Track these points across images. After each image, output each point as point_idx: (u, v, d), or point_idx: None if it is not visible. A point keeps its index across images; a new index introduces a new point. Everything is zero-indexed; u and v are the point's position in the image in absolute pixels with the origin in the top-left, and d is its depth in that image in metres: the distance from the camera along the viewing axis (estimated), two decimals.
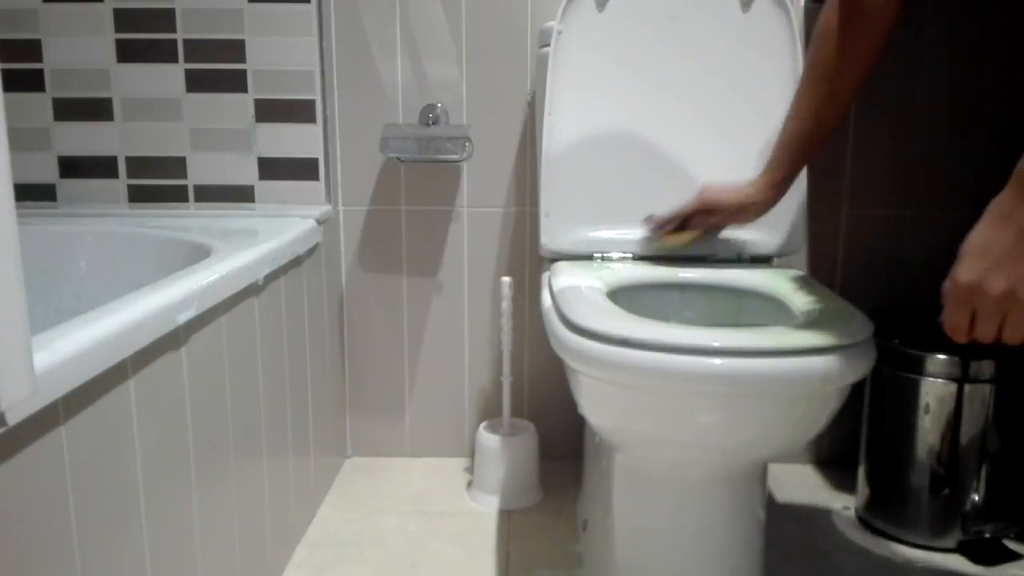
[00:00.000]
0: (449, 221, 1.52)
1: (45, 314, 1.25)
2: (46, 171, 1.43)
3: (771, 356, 0.82)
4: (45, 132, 1.42)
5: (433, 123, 1.47)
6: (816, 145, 1.08)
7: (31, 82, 1.40)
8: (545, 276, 1.18)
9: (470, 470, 1.56)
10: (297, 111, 1.41)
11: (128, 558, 0.76)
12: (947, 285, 0.75)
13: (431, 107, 1.47)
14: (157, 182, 1.44)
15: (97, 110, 1.41)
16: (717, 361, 0.81)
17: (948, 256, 0.76)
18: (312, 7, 1.38)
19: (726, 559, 0.99)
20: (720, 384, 0.82)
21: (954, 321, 0.74)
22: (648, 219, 1.21)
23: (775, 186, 1.11)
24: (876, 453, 1.31)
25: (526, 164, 1.50)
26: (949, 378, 1.22)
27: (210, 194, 1.44)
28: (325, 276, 1.44)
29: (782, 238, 1.24)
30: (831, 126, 1.06)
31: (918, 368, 1.24)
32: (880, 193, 1.48)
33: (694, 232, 1.17)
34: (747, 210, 1.13)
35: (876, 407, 1.31)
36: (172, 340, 0.83)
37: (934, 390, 1.23)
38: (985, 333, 0.73)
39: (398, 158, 1.42)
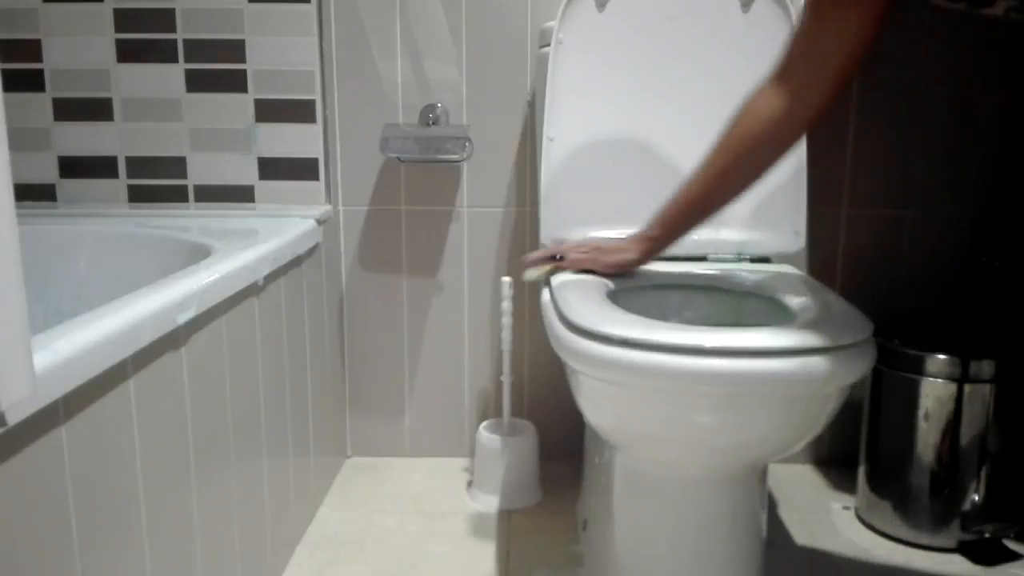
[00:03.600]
0: (449, 221, 1.52)
1: (45, 314, 1.25)
2: (46, 171, 1.43)
3: (771, 356, 0.82)
4: (45, 132, 1.42)
5: (433, 123, 1.47)
6: (710, 214, 1.02)
7: (31, 82, 1.40)
8: None
9: (470, 470, 1.56)
10: (297, 111, 1.41)
11: (128, 558, 0.76)
12: None
13: (431, 107, 1.47)
14: (157, 182, 1.44)
15: (97, 110, 1.41)
16: (717, 361, 0.81)
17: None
18: (312, 7, 1.38)
19: (726, 559, 0.99)
20: (720, 384, 0.82)
21: None
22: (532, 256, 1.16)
23: (652, 240, 1.07)
24: (876, 453, 1.31)
25: (526, 164, 1.50)
26: (949, 378, 1.22)
27: (210, 194, 1.44)
28: (325, 276, 1.44)
29: (782, 238, 1.24)
30: (733, 197, 1.00)
31: (918, 368, 1.23)
32: (880, 193, 1.48)
33: (547, 268, 1.13)
34: (623, 268, 1.11)
35: (876, 407, 1.31)
36: (172, 340, 0.83)
37: (934, 390, 1.23)
38: None
39: (398, 158, 1.42)
